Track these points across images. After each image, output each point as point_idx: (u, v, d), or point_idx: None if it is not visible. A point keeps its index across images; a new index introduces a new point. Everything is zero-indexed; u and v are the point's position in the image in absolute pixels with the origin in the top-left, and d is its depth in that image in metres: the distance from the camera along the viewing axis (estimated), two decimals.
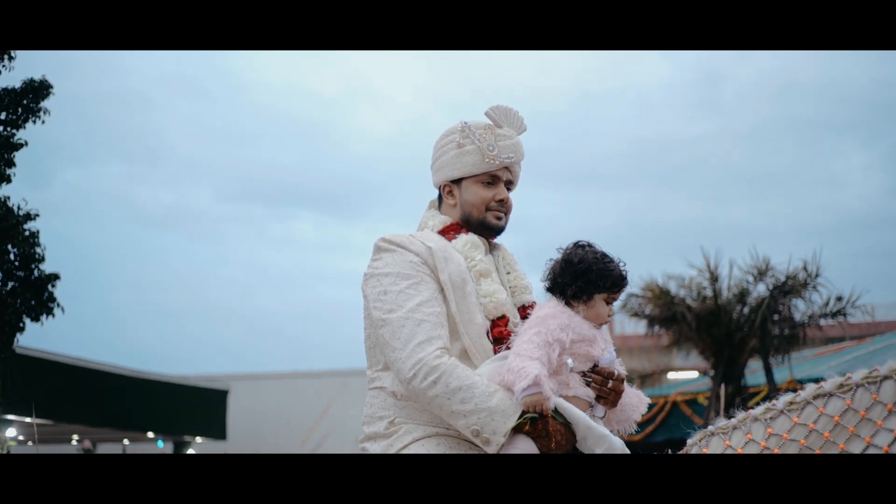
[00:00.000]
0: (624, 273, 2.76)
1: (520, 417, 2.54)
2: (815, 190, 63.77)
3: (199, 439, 18.57)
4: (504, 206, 2.94)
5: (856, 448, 2.49)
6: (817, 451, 2.53)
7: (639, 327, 12.62)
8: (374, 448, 2.73)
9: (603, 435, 2.60)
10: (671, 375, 19.65)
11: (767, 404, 2.68)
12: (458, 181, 2.95)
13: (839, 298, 12.41)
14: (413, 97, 78.94)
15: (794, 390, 9.58)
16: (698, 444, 2.75)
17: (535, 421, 2.54)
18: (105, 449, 17.58)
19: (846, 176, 65.30)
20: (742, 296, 12.24)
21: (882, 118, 65.03)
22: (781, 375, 12.75)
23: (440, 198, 3.03)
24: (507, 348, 2.72)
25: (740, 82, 69.12)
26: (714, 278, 12.22)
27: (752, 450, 2.62)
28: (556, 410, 2.57)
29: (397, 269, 2.74)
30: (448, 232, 2.92)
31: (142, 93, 69.39)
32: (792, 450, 2.56)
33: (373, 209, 70.18)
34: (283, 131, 71.31)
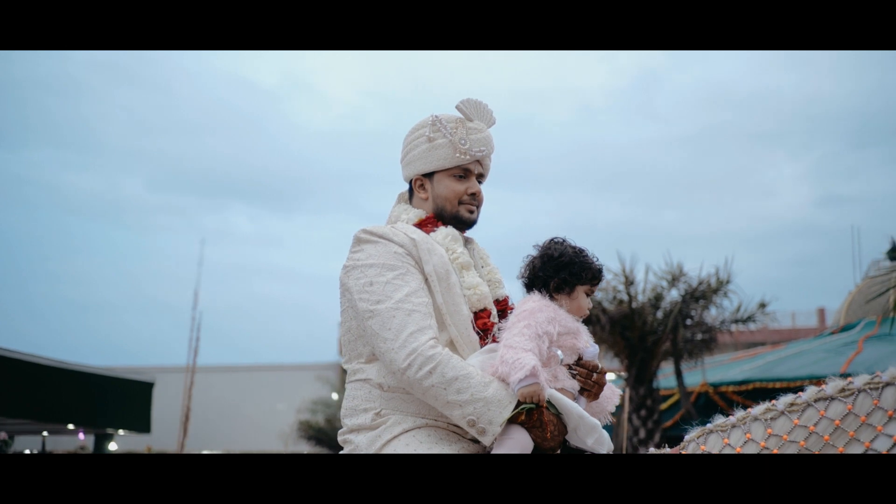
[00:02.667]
0: (601, 266, 2.83)
1: (515, 408, 2.55)
2: (745, 198, 65.14)
3: (121, 432, 18.30)
4: (476, 200, 2.96)
5: (855, 452, 2.50)
6: (817, 454, 2.54)
7: None
8: (360, 440, 2.72)
9: (594, 425, 2.63)
10: None
11: (768, 404, 2.68)
12: (429, 175, 2.95)
13: (762, 305, 12.78)
14: (351, 93, 78.65)
15: (706, 393, 9.85)
16: (696, 440, 2.76)
17: (531, 411, 2.55)
18: (23, 441, 17.26)
19: (776, 185, 66.89)
20: (657, 300, 12.52)
21: (811, 131, 66.71)
22: (694, 379, 13.09)
23: (411, 192, 3.04)
24: (493, 340, 2.75)
25: (677, 90, 70.37)
26: (629, 282, 12.43)
27: (752, 449, 2.62)
28: (548, 401, 2.59)
29: (382, 259, 2.73)
30: (425, 225, 2.92)
31: (75, 79, 68.09)
32: (791, 451, 2.57)
33: (308, 203, 69.80)
34: (218, 122, 70.59)
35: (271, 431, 26.90)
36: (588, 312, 2.80)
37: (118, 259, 68.06)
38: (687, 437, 2.81)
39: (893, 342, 12.93)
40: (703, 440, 2.75)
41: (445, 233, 2.89)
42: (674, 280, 12.51)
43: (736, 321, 12.64)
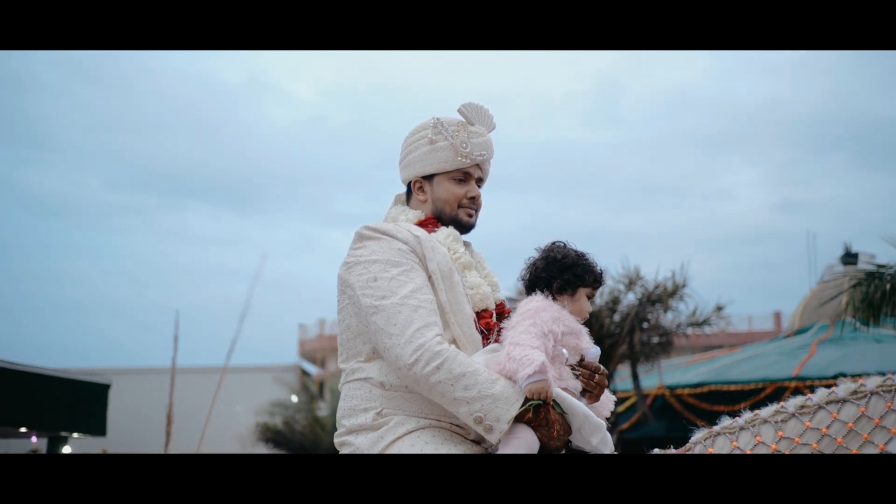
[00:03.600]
0: (602, 269, 2.84)
1: (523, 405, 2.53)
2: (704, 202, 65.89)
3: (76, 435, 18.05)
4: (475, 204, 2.95)
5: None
6: (833, 454, 2.51)
7: None
8: (360, 441, 2.67)
9: (599, 425, 2.62)
10: None
11: (777, 406, 2.66)
12: (429, 177, 2.94)
13: (719, 308, 12.96)
14: (314, 93, 78.43)
15: (662, 396, 10.01)
16: (702, 443, 2.72)
17: (538, 409, 2.53)
18: None
19: (734, 190, 67.72)
20: (614, 304, 12.64)
21: (769, 136, 67.70)
22: (651, 382, 13.23)
23: (409, 193, 3.02)
24: (496, 340, 2.74)
25: (638, 94, 71.10)
26: None
27: (763, 452, 2.59)
28: (553, 400, 2.57)
29: (386, 256, 2.70)
30: (426, 225, 2.90)
31: (30, 74, 67.17)
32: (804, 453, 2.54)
33: (268, 203, 69.39)
34: (178, 121, 69.91)
35: (228, 433, 26.68)
36: (588, 315, 2.80)
37: (77, 258, 67.16)
38: (693, 439, 2.79)
39: (845, 345, 13.19)
40: (710, 442, 2.71)
41: (447, 233, 2.88)
42: (631, 284, 12.66)
43: (692, 324, 12.81)
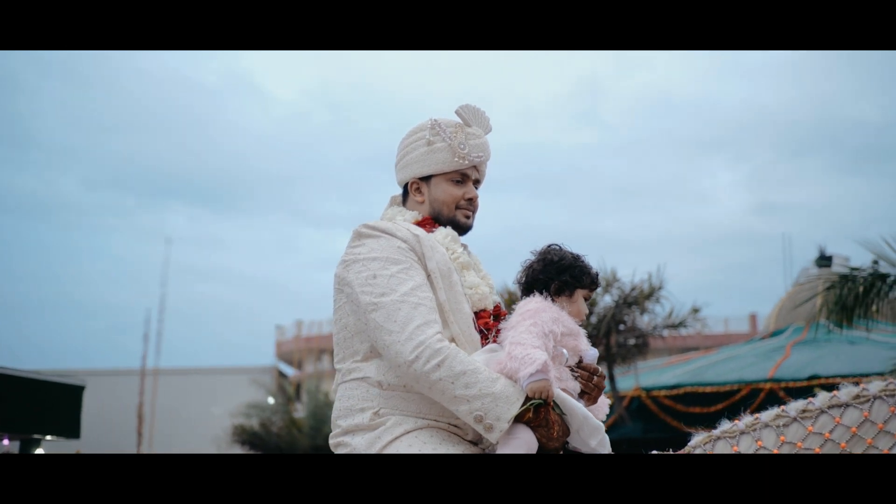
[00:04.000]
0: (598, 271, 2.87)
1: (524, 404, 2.52)
2: (682, 205, 66.30)
3: (49, 437, 17.88)
4: (472, 205, 2.96)
5: None
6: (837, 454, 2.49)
7: None
8: (357, 441, 2.65)
9: (598, 427, 2.63)
10: None
11: (777, 410, 2.64)
12: (426, 178, 2.94)
13: (695, 310, 13.04)
14: (294, 94, 78.23)
15: (638, 398, 10.00)
16: (702, 447, 2.70)
17: (538, 409, 2.52)
18: None
19: (713, 193, 68.21)
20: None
21: (747, 140, 68.20)
22: (627, 383, 13.29)
23: (405, 195, 3.02)
24: (494, 340, 2.74)
25: (619, 96, 71.44)
26: None
27: None
28: (553, 400, 2.56)
29: (385, 254, 2.70)
30: (424, 225, 2.90)
31: (8, 72, 66.54)
32: None
33: (247, 204, 69.13)
34: (157, 120, 69.52)
35: (205, 435, 26.55)
36: (585, 317, 2.81)
37: (52, 258, 66.59)
38: (692, 443, 2.78)
39: (819, 347, 13.30)
40: (710, 446, 2.70)
41: (445, 233, 2.88)
42: (607, 286, 12.70)
43: (668, 326, 12.88)
